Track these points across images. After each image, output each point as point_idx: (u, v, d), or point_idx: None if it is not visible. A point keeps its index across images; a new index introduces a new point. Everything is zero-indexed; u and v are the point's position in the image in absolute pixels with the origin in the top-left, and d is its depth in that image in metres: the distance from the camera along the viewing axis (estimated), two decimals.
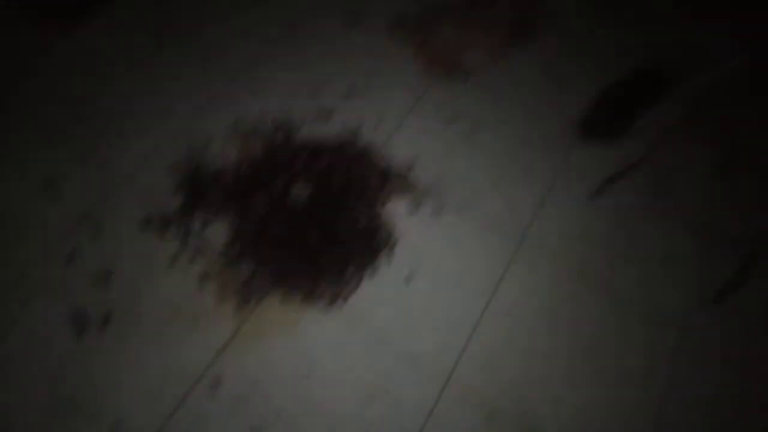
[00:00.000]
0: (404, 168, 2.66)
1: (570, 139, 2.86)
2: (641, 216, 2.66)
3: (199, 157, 2.54)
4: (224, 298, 2.22)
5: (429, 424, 2.08)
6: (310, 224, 2.41)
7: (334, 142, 2.68)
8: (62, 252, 2.24)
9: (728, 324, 2.39)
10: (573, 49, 3.13)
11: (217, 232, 2.37)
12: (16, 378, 2.02)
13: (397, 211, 2.53)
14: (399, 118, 2.83)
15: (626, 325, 2.39)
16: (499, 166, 2.75)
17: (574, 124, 2.90)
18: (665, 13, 3.29)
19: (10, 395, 2.00)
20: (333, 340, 2.20)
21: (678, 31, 3.20)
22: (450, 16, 3.20)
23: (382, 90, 2.90)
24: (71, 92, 2.68)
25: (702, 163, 2.80)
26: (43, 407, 1.97)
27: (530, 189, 2.71)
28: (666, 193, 2.71)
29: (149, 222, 2.35)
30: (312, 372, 2.11)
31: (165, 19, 2.96)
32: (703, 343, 2.36)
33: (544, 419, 2.14)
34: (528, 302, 2.38)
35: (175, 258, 2.28)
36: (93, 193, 2.38)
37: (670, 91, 2.87)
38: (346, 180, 2.55)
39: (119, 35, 2.89)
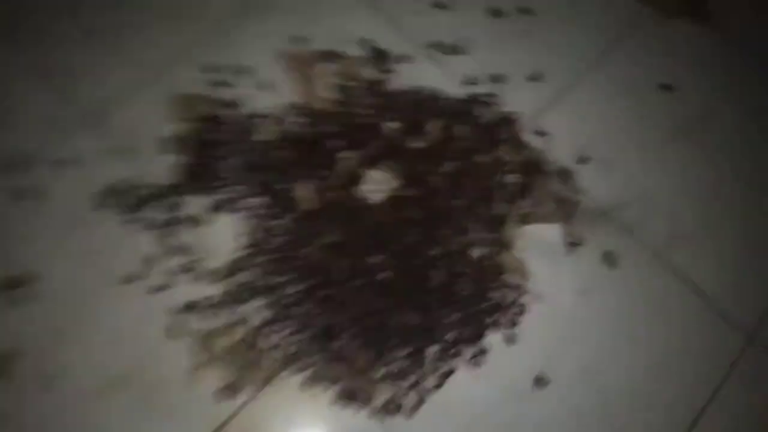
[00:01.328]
0: (567, 166, 1.51)
1: None
2: None
3: (224, 91, 1.50)
4: (207, 365, 1.24)
5: None
6: (380, 251, 1.35)
7: (455, 99, 1.55)
8: None
9: None
10: None
11: (224, 233, 1.36)
12: None
13: (538, 245, 1.42)
14: (575, 72, 1.63)
15: None
16: (736, 189, 1.54)
17: None
18: None
19: None
20: None
21: None
22: None
23: (555, 19, 1.69)
24: None
25: None
26: None
27: None
28: None
29: (116, 194, 1.37)
30: None
31: None
32: None
33: None
34: None
35: (140, 270, 1.31)
36: (41, 130, 1.42)
37: None
38: (461, 171, 1.45)
39: None
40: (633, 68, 1.65)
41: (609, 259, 1.44)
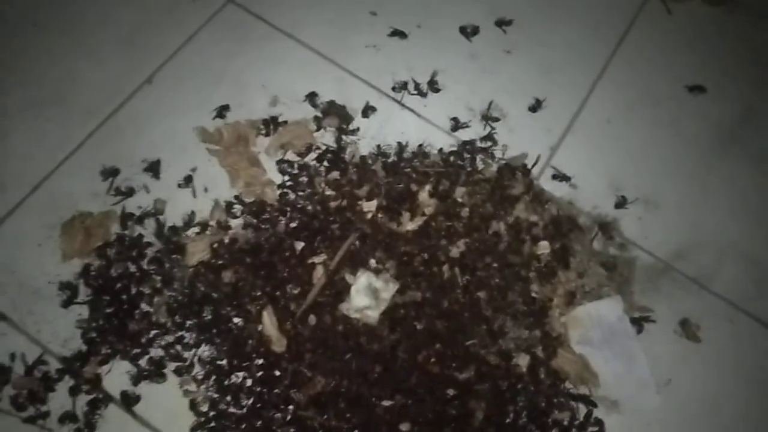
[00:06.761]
0: (605, 213, 1.16)
1: None
2: None
3: (130, 200, 1.09)
4: None
5: None
6: (392, 391, 0.96)
7: (445, 153, 1.18)
8: None
9: None
10: None
11: (166, 408, 0.94)
12: None
13: (597, 331, 1.05)
14: (581, 89, 1.28)
15: None
16: None
17: None
18: None
19: None
20: None
21: None
22: None
23: (541, 28, 1.35)
24: None
25: None
26: None
27: None
28: None
29: (6, 382, 0.94)
30: None
31: None
32: None
33: None
34: None
35: None
36: None
37: None
38: (475, 250, 1.08)
39: None
40: (651, 72, 1.30)
41: (688, 329, 1.09)
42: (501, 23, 1.31)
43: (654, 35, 1.34)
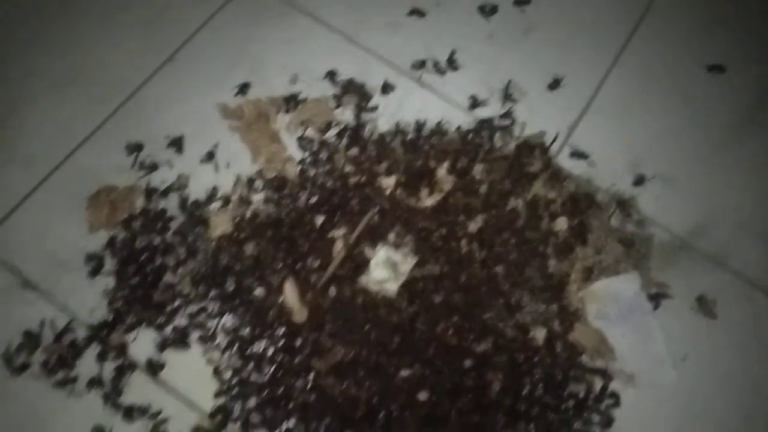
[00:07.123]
0: (623, 191, 1.17)
1: None
2: None
3: (154, 175, 1.11)
4: None
5: None
6: (411, 361, 0.98)
7: (463, 131, 1.19)
8: None
9: None
10: None
11: (191, 374, 0.97)
12: None
13: (614, 306, 1.06)
14: (600, 67, 1.28)
15: None
16: None
17: None
18: None
19: None
20: None
21: None
22: None
23: (560, 4, 1.35)
24: None
25: None
26: None
27: None
28: None
29: (35, 346, 0.97)
30: None
31: None
32: None
33: None
34: None
35: None
36: None
37: None
38: (493, 226, 1.09)
39: None
40: (670, 51, 1.30)
41: (704, 305, 1.09)
42: (519, 2, 1.31)
43: (673, 14, 1.34)
